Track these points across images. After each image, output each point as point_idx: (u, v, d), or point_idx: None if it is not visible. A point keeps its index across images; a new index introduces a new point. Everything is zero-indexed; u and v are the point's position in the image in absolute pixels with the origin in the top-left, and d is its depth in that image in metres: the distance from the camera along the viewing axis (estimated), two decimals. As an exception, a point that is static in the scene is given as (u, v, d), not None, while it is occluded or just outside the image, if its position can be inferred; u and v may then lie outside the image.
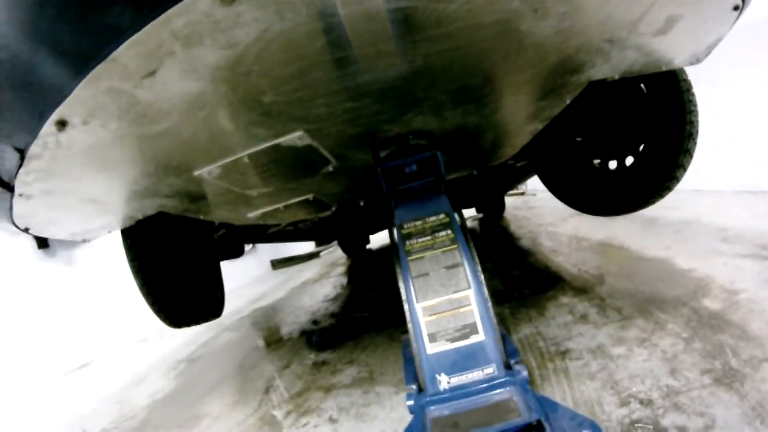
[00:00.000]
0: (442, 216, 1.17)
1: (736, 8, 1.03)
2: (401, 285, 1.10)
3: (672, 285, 1.78)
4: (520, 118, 1.38)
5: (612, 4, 0.83)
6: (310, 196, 1.54)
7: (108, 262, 3.90)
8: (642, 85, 1.85)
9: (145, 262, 2.02)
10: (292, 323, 2.98)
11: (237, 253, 2.59)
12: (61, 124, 0.78)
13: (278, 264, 6.82)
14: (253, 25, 0.61)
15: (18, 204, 1.09)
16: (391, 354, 1.84)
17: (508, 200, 6.48)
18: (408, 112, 1.10)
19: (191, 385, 2.26)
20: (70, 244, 3.64)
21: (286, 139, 1.00)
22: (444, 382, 0.98)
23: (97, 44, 0.62)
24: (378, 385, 1.60)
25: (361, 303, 3.07)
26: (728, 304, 1.48)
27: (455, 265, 1.07)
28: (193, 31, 0.60)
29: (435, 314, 1.03)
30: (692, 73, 1.74)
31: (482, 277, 1.07)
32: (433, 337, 1.01)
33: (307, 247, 7.26)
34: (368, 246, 6.24)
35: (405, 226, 1.18)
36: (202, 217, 1.59)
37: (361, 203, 1.90)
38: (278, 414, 1.59)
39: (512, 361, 1.00)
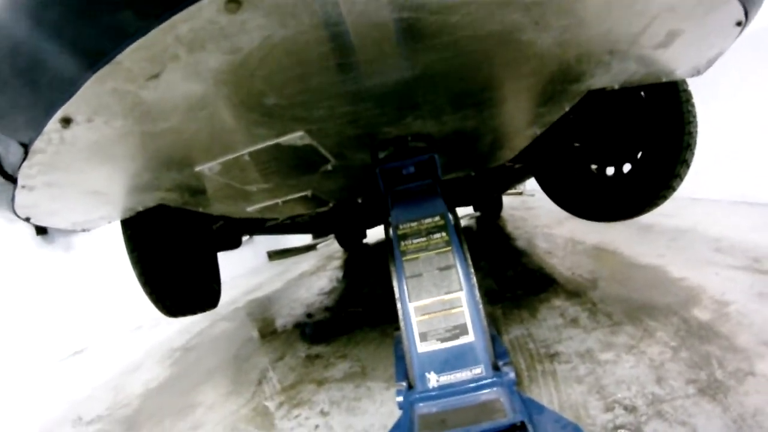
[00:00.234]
0: (437, 218, 1.19)
1: (738, 24, 1.04)
2: (395, 284, 1.12)
3: (663, 293, 1.81)
4: (518, 123, 1.40)
5: (613, 19, 0.84)
6: (308, 193, 1.55)
7: (106, 250, 3.88)
8: (642, 93, 1.86)
9: (144, 252, 2.03)
10: (287, 315, 3.00)
11: (234, 244, 2.60)
12: (66, 122, 0.79)
13: (275, 255, 6.83)
14: (257, 31, 0.62)
15: (20, 195, 1.10)
16: (383, 350, 1.86)
17: (506, 200, 6.48)
18: (408, 116, 1.12)
19: (186, 373, 2.27)
20: (69, 231, 3.64)
21: (286, 139, 1.02)
22: (433, 380, 1.00)
23: (103, 46, 0.64)
24: (369, 380, 1.62)
25: (355, 298, 3.09)
26: (718, 315, 1.50)
27: (448, 267, 1.09)
28: (198, 36, 0.61)
29: (427, 314, 1.05)
30: (693, 83, 1.74)
31: (474, 279, 1.09)
32: (424, 337, 1.03)
33: (303, 239, 7.26)
34: (365, 240, 6.25)
35: (401, 226, 1.20)
36: (201, 210, 1.61)
37: (359, 200, 1.91)
38: (271, 405, 1.61)
39: (501, 363, 1.02)
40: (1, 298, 3.13)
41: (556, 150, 2.22)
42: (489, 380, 0.98)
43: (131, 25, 0.60)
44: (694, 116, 1.77)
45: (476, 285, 1.09)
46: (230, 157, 1.08)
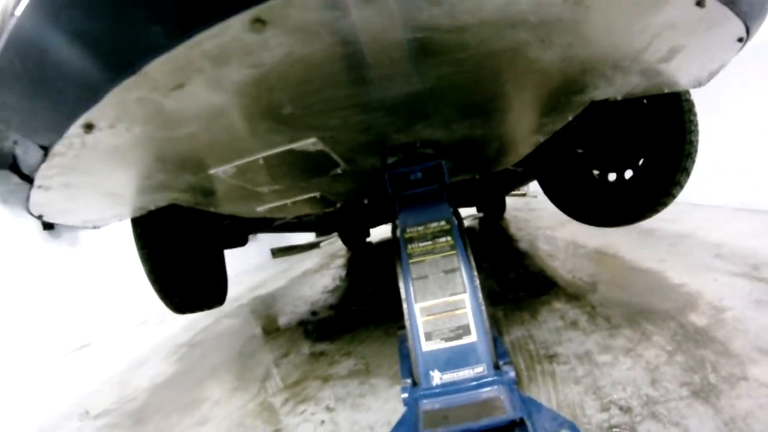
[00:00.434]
0: (443, 223, 1.23)
1: (740, 40, 1.06)
2: (401, 285, 1.16)
3: (662, 298, 1.83)
4: (523, 131, 1.43)
5: (616, 36, 0.87)
6: (317, 194, 1.58)
7: (111, 245, 3.92)
8: (645, 101, 1.89)
9: (154, 250, 2.07)
10: (291, 313, 3.01)
11: (241, 242, 2.63)
12: (88, 127, 0.81)
13: (278, 253, 6.84)
14: (279, 48, 0.65)
15: (36, 194, 1.12)
16: (387, 348, 1.89)
17: (510, 200, 6.48)
18: (417, 124, 1.15)
19: (191, 369, 2.29)
20: (76, 227, 3.67)
21: (299, 145, 1.05)
22: (437, 378, 1.04)
23: (131, 58, 0.66)
24: (373, 377, 1.65)
25: (359, 296, 3.11)
26: (714, 321, 1.52)
27: (453, 270, 1.13)
28: (223, 52, 0.64)
29: (432, 315, 1.09)
30: (696, 92, 1.75)
31: (478, 282, 1.13)
32: (429, 336, 1.07)
33: (307, 237, 7.26)
34: (368, 239, 6.25)
35: (408, 230, 1.24)
36: (212, 209, 1.64)
37: (366, 201, 1.95)
38: (277, 401, 1.63)
39: (501, 362, 1.06)
40: (9, 292, 3.14)
41: (559, 156, 2.25)
42: (490, 379, 1.02)
43: (161, 39, 0.62)
44: (696, 125, 1.80)
45: (479, 287, 1.13)
46: (244, 161, 1.11)
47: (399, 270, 1.19)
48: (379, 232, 6.60)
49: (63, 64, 0.70)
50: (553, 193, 2.58)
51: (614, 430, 1.06)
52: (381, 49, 0.73)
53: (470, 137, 1.36)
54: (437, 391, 1.03)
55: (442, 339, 1.07)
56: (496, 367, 1.05)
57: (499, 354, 1.10)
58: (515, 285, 2.46)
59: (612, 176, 2.16)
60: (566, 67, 0.97)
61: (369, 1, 0.58)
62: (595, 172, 2.26)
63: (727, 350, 1.33)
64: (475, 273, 1.14)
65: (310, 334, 2.39)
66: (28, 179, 1.02)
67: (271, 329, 2.73)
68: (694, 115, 1.82)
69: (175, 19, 0.60)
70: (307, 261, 5.57)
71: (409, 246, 1.20)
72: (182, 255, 2.13)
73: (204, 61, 0.66)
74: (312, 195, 1.58)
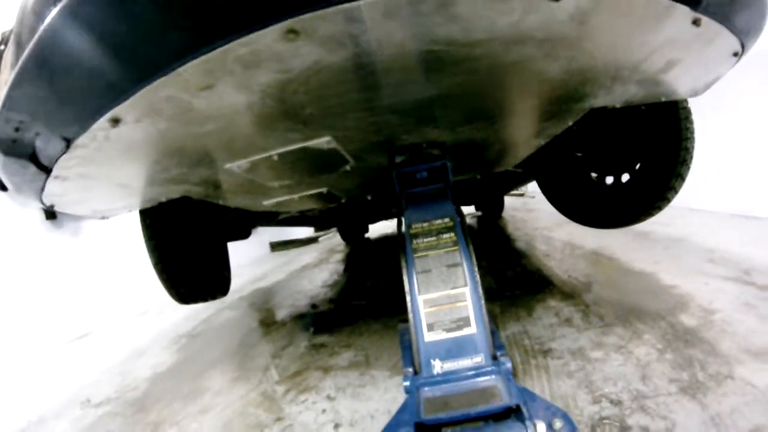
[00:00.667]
0: (447, 220, 1.27)
1: (735, 54, 1.10)
2: (405, 278, 1.21)
3: (654, 299, 1.88)
4: (525, 135, 1.48)
5: (616, 50, 0.91)
6: (324, 190, 1.62)
7: (112, 236, 3.91)
8: (643, 108, 1.93)
9: (162, 240, 2.09)
10: (291, 306, 3.03)
11: (244, 234, 2.65)
12: (115, 121, 0.82)
13: (277, 246, 6.83)
14: (308, 56, 0.69)
15: (51, 184, 1.12)
16: (386, 341, 1.93)
17: (508, 200, 6.50)
18: (425, 126, 1.19)
19: (192, 359, 2.30)
20: (78, 216, 3.54)
21: (314, 143, 1.09)
22: (438, 367, 1.09)
23: (165, 59, 0.68)
24: (373, 369, 1.69)
25: (358, 291, 3.14)
26: (704, 322, 1.57)
27: (455, 265, 1.18)
28: (255, 58, 0.68)
29: (434, 306, 1.14)
30: (693, 100, 1.79)
31: (478, 277, 1.18)
32: (431, 327, 1.12)
33: (306, 231, 7.26)
34: (366, 235, 6.26)
35: (413, 226, 1.28)
36: (220, 202, 1.66)
37: (369, 197, 1.99)
38: (278, 390, 1.66)
39: (499, 353, 1.11)
40: (11, 281, 3.11)
41: (558, 158, 2.30)
42: (488, 368, 1.07)
43: (197, 43, 0.65)
44: (692, 132, 1.85)
45: (479, 282, 1.18)
46: (259, 156, 1.14)
47: (403, 263, 1.24)
48: (377, 229, 6.63)
49: (98, 61, 0.71)
50: (551, 194, 2.63)
51: (605, 421, 1.11)
52: (398, 59, 0.77)
53: (474, 140, 1.41)
54: (438, 379, 1.08)
55: (443, 330, 1.12)
56: (494, 357, 1.10)
57: (497, 346, 1.15)
58: (512, 283, 2.50)
59: (609, 179, 2.21)
60: (568, 78, 1.01)
61: (391, 17, 0.62)
62: (593, 175, 2.30)
63: (714, 350, 1.37)
64: (476, 268, 1.19)
65: (310, 327, 2.41)
66: (46, 170, 1.03)
67: (271, 321, 2.74)
68: (690, 122, 1.86)
69: (214, 26, 0.63)
70: (306, 255, 5.58)
71: (414, 241, 1.25)
72: (188, 246, 2.16)
73: (236, 65, 0.69)
74: (319, 190, 1.62)
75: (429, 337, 1.11)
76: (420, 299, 1.15)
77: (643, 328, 1.60)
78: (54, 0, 0.68)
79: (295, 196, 1.65)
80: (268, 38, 0.64)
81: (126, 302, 3.89)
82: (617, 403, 1.19)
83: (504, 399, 0.96)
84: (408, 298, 1.18)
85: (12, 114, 0.87)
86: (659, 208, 2.00)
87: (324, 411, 1.45)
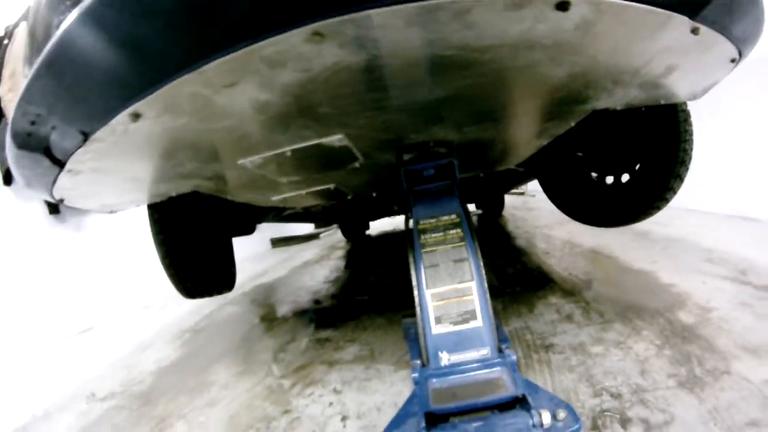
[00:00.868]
0: (453, 216, 1.31)
1: (732, 60, 1.13)
2: (413, 273, 1.24)
3: (653, 296, 1.91)
4: (528, 135, 1.50)
5: (618, 56, 0.95)
6: (332, 186, 1.64)
7: (115, 231, 3.90)
8: (643, 110, 1.96)
9: (170, 235, 2.10)
10: (293, 301, 3.04)
11: (249, 230, 2.66)
12: (135, 116, 0.83)
13: (278, 243, 6.84)
14: (330, 57, 0.72)
15: (63, 178, 1.13)
16: (391, 336, 1.94)
17: (508, 199, 6.52)
18: (433, 126, 1.22)
19: (197, 354, 2.30)
20: (81, 211, 3.53)
21: (327, 140, 1.11)
22: (445, 359, 1.12)
23: (193, 57, 0.70)
24: (378, 363, 1.70)
25: (361, 286, 3.15)
26: (701, 320, 1.59)
27: (462, 260, 1.22)
28: (280, 58, 0.70)
29: (442, 300, 1.17)
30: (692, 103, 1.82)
31: (484, 272, 1.22)
32: (438, 320, 1.15)
33: (306, 228, 7.26)
34: (367, 232, 6.28)
35: (421, 222, 1.32)
36: (229, 197, 1.68)
37: (374, 194, 2.01)
38: (284, 384, 1.67)
39: (503, 346, 1.15)
40: (14, 275, 3.09)
41: (560, 158, 2.33)
42: (494, 360, 1.11)
43: (225, 42, 0.67)
44: (691, 134, 1.88)
45: (485, 277, 1.21)
46: (273, 152, 1.16)
47: (411, 258, 1.27)
48: (377, 226, 6.65)
49: (124, 56, 0.72)
50: (552, 192, 2.66)
51: (606, 413, 1.14)
52: (413, 62, 0.80)
53: (480, 139, 1.44)
54: (445, 371, 1.11)
55: (450, 323, 1.15)
56: (499, 350, 1.14)
57: (501, 339, 1.18)
58: (513, 280, 2.53)
59: (609, 179, 2.24)
60: (572, 81, 1.04)
61: (412, 23, 0.66)
62: (594, 174, 2.33)
63: (712, 346, 1.40)
64: (482, 263, 1.23)
65: (314, 322, 2.42)
66: (60, 163, 1.04)
67: (274, 316, 2.74)
68: (689, 124, 1.89)
69: (243, 26, 0.65)
70: (307, 252, 5.58)
71: (423, 236, 1.28)
72: (196, 241, 2.17)
73: (261, 64, 0.72)
74: (327, 187, 1.64)
75: (437, 329, 1.15)
76: (428, 293, 1.18)
77: (641, 325, 1.63)
78: None
79: (303, 192, 1.67)
80: (295, 39, 0.66)
81: (129, 297, 3.88)
82: (617, 396, 1.21)
83: (510, 390, 1.00)
84: (416, 292, 1.21)
85: (30, 107, 0.88)
86: (658, 208, 2.03)
87: (331, 404, 1.46)
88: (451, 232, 1.27)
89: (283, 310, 2.89)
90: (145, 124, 0.88)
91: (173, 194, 1.56)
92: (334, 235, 6.86)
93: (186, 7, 0.65)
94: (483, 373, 1.09)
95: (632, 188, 2.09)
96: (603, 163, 2.24)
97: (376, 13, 0.62)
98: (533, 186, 6.99)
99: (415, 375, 1.13)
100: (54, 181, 1.16)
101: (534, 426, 0.90)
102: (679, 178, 1.90)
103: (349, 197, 1.90)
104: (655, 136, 1.94)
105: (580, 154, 2.23)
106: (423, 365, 1.16)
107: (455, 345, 1.13)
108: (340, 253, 5.05)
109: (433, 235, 1.28)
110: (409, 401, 1.09)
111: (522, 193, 7.71)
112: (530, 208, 5.98)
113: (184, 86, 0.75)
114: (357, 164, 1.39)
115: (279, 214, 2.60)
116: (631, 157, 2.09)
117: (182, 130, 0.97)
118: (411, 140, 1.32)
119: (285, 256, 5.50)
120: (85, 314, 3.50)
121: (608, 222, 2.31)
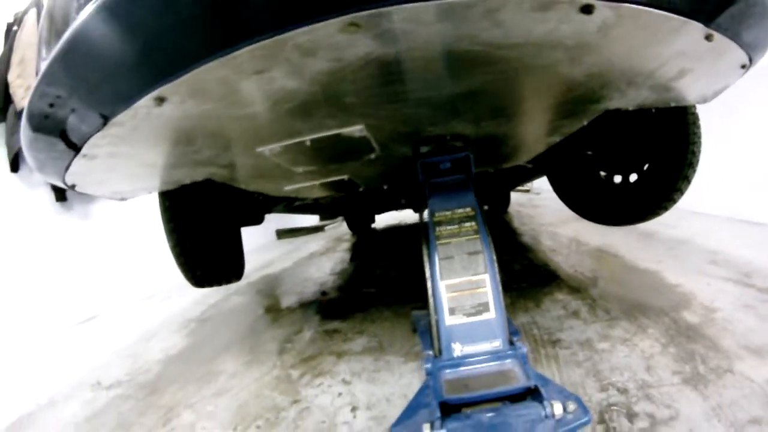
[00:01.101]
0: (468, 209, 1.32)
1: (743, 66, 1.14)
2: (428, 264, 1.25)
3: (658, 296, 1.93)
4: (542, 131, 1.52)
5: (634, 58, 0.96)
6: (345, 177, 1.65)
7: (122, 219, 3.91)
8: (653, 111, 1.97)
9: (180, 223, 2.11)
10: (300, 292, 3.04)
11: (258, 220, 2.67)
12: (160, 100, 0.81)
13: (283, 234, 6.85)
14: (362, 48, 0.73)
15: (78, 163, 1.11)
16: (399, 328, 1.96)
17: (514, 196, 6.51)
18: (451, 119, 1.23)
19: (204, 343, 2.30)
20: (88, 199, 3.57)
21: (348, 130, 1.12)
22: (458, 349, 1.13)
23: (225, 42, 0.69)
24: (387, 354, 1.71)
25: (368, 279, 3.16)
26: (705, 320, 1.61)
27: (476, 252, 1.23)
28: (312, 46, 0.71)
29: (455, 292, 1.18)
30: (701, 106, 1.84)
31: (497, 265, 1.23)
32: (452, 311, 1.16)
33: (312, 220, 7.26)
34: (373, 225, 6.28)
35: (437, 214, 1.33)
36: (243, 186, 1.68)
37: (385, 187, 2.02)
38: (293, 374, 1.68)
39: (514, 338, 1.17)
40: (21, 262, 3.09)
41: (569, 155, 2.34)
42: (506, 352, 1.12)
43: (260, 29, 0.66)
44: (699, 137, 1.90)
45: (498, 270, 1.23)
46: (293, 141, 1.16)
47: (426, 250, 1.28)
48: (383, 219, 6.66)
49: (153, 38, 0.71)
50: (561, 189, 2.68)
51: (613, 408, 1.16)
52: (440, 56, 0.82)
53: (495, 134, 1.45)
54: (458, 361, 1.13)
55: (463, 314, 1.16)
56: (510, 342, 1.15)
57: (512, 332, 1.20)
58: (520, 276, 2.55)
59: (618, 178, 2.25)
60: (588, 81, 1.06)
61: (443, 18, 0.67)
62: (602, 173, 2.35)
63: (715, 346, 1.42)
64: (495, 256, 1.24)
65: (321, 313, 2.43)
66: (76, 147, 1.01)
67: (281, 307, 2.75)
68: (698, 127, 1.91)
69: (280, 13, 0.65)
70: (312, 243, 5.58)
71: (437, 228, 1.29)
72: (206, 229, 2.18)
73: (293, 52, 0.72)
74: (340, 177, 1.65)
75: (450, 321, 1.16)
76: (442, 284, 1.20)
77: (647, 323, 1.65)
78: None
79: (316, 182, 1.68)
80: (330, 28, 0.66)
81: (134, 286, 3.89)
82: (624, 391, 1.23)
83: (522, 381, 1.01)
84: (429, 284, 1.22)
85: (50, 89, 0.87)
86: (665, 208, 2.04)
87: (340, 394, 1.47)
88: (466, 224, 1.29)
89: (290, 300, 2.89)
90: (168, 109, 0.87)
91: (187, 182, 1.55)
92: (340, 228, 6.86)
93: None
94: (495, 365, 1.10)
95: (640, 188, 2.11)
96: (612, 162, 2.25)
97: (412, 7, 0.63)
98: (539, 184, 7.04)
99: (428, 366, 1.14)
100: (68, 167, 1.14)
101: (546, 417, 0.91)
102: (687, 179, 1.92)
103: (361, 189, 1.90)
104: (664, 137, 1.95)
105: (589, 152, 2.25)
106: (435, 356, 1.18)
107: (468, 336, 1.14)
108: (346, 245, 5.06)
109: (448, 227, 1.29)
110: (421, 392, 1.10)
111: (528, 191, 7.72)
112: (535, 206, 5.99)
113: (214, 71, 0.74)
114: (373, 155, 1.39)
115: (289, 205, 2.60)
116: (639, 157, 2.10)
117: (205, 116, 0.96)
118: (428, 133, 1.33)
119: (290, 248, 5.51)
120: (91, 302, 3.51)
121: (616, 220, 2.32)
